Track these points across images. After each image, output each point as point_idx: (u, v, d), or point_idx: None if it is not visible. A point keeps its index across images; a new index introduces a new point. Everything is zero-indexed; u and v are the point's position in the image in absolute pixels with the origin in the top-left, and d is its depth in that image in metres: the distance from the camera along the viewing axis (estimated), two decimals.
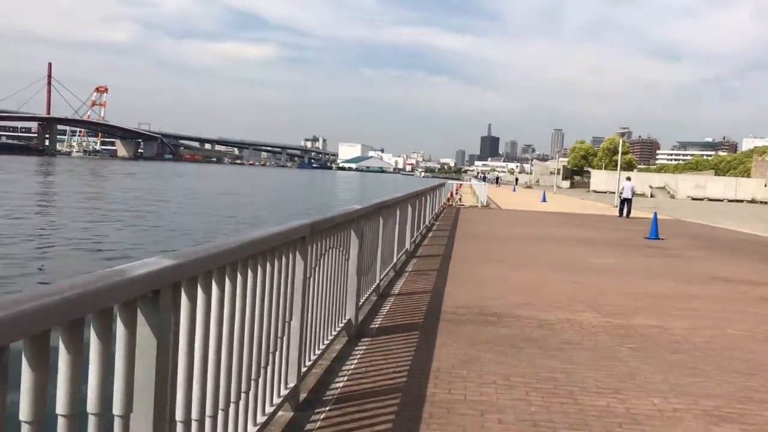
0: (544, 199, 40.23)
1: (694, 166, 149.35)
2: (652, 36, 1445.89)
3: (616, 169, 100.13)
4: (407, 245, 10.56)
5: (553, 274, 9.61)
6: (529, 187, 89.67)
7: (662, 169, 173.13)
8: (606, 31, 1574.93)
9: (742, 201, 64.02)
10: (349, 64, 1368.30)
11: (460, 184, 40.60)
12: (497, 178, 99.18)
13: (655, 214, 16.21)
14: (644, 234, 17.67)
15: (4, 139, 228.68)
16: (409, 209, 10.46)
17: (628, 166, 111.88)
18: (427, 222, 16.00)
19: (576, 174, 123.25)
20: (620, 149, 38.70)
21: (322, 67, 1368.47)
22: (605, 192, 74.51)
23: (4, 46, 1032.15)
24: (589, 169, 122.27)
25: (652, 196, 67.70)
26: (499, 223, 20.25)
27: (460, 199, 30.84)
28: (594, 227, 20.32)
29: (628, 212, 28.09)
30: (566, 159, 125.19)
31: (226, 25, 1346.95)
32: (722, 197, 65.33)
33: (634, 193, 29.23)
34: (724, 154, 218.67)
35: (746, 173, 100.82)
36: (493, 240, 14.30)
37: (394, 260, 8.79)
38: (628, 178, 31.22)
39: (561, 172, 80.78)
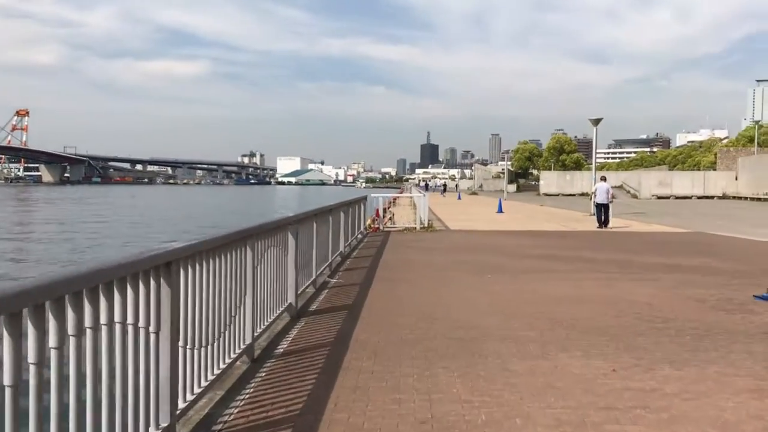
0: (500, 210, 31.73)
1: (639, 163, 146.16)
2: (579, 40, 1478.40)
3: (564, 170, 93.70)
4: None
5: None
6: (474, 193, 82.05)
7: (604, 167, 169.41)
8: (534, 37, 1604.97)
9: (712, 197, 57.39)
10: (285, 78, 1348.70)
11: (395, 197, 31.84)
12: (444, 186, 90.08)
13: None
14: (729, 278, 9.41)
15: None
16: None
17: (576, 165, 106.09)
18: (300, 287, 7.15)
19: (521, 177, 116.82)
20: (594, 144, 30.50)
21: (257, 82, 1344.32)
22: (557, 195, 67.38)
23: None
24: (534, 171, 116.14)
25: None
26: (451, 266, 11.41)
27: (391, 218, 22.01)
28: (616, 264, 11.74)
29: (606, 221, 21.13)
30: (509, 162, 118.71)
31: (156, 44, 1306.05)
32: (690, 194, 58.80)
33: (611, 197, 22.00)
34: (657, 149, 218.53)
35: (695, 166, 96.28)
36: (446, 356, 5.47)
37: None
38: (603, 178, 23.42)
39: (506, 175, 73.09)
